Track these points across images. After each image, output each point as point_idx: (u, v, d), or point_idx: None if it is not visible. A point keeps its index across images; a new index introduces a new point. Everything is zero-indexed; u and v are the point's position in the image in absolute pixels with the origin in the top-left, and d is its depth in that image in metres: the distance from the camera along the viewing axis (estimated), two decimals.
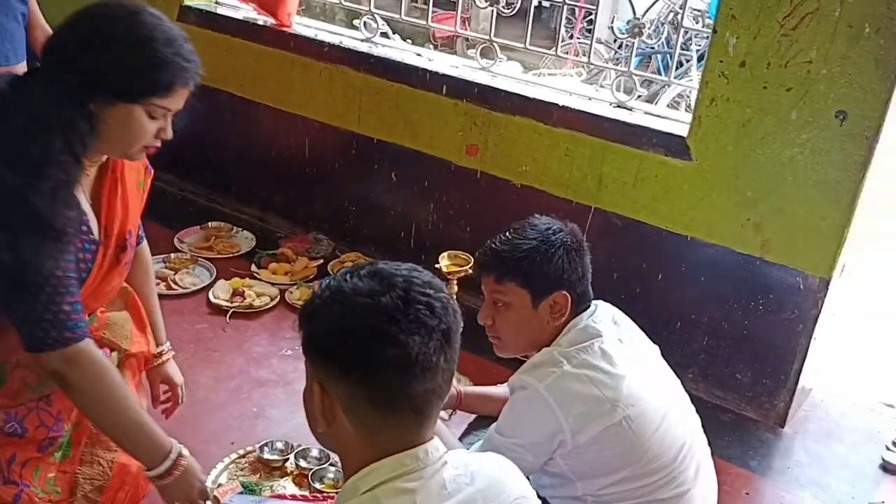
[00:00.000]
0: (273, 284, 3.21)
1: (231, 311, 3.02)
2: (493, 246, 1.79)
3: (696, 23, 6.11)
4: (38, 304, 1.46)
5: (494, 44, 3.16)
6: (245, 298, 3.07)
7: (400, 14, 3.49)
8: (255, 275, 3.28)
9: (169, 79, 1.53)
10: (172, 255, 3.31)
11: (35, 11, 2.96)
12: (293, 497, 2.15)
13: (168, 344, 2.01)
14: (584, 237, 1.83)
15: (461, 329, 1.18)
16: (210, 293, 3.10)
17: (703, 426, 1.89)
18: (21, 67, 2.72)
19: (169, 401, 2.01)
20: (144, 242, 1.96)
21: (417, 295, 1.12)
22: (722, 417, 2.77)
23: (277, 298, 3.13)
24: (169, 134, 1.62)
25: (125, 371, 1.83)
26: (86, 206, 1.63)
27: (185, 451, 1.66)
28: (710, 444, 1.91)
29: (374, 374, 1.11)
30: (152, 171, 1.89)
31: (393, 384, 1.11)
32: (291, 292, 3.17)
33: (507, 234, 1.80)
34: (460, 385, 2.58)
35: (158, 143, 1.63)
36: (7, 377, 1.62)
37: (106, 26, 1.53)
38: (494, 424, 1.79)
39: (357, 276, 1.15)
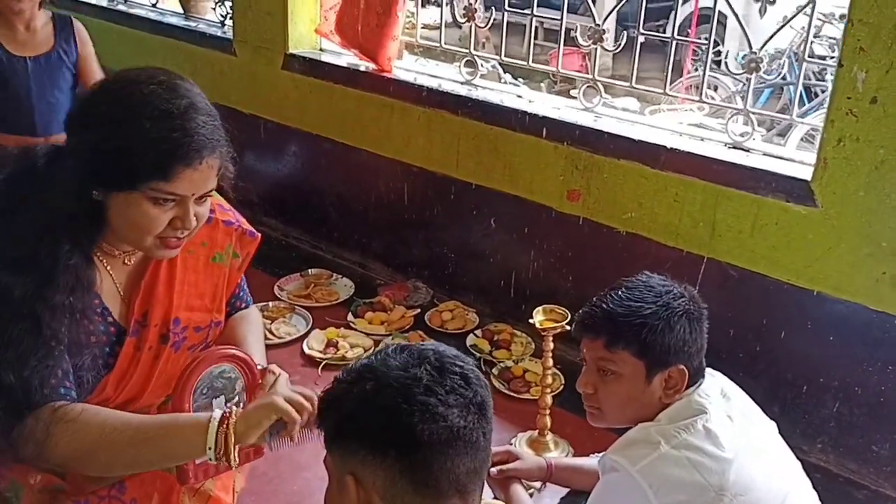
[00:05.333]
0: (368, 335, 3.13)
1: (323, 363, 2.95)
2: (605, 306, 1.58)
3: (833, 51, 5.66)
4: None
5: (598, 83, 3.00)
6: (338, 350, 3.00)
7: (500, 55, 3.38)
8: (351, 324, 3.20)
9: (163, 160, 1.30)
10: (270, 303, 3.28)
11: (88, 58, 2.98)
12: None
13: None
14: (704, 305, 1.63)
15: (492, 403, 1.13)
16: (304, 344, 3.04)
17: None
18: (61, 137, 2.79)
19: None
20: (251, 307, 1.83)
21: (451, 365, 1.09)
22: (856, 494, 2.45)
23: (371, 350, 3.04)
24: (190, 224, 1.38)
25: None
26: (113, 294, 1.50)
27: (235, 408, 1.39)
28: None
29: (416, 452, 1.03)
30: (257, 235, 1.72)
31: (436, 462, 1.04)
32: (386, 344, 3.06)
33: (620, 292, 1.59)
34: (554, 454, 2.41)
35: (180, 234, 1.40)
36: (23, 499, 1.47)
37: (97, 103, 1.37)
38: None
39: (384, 354, 1.12)
